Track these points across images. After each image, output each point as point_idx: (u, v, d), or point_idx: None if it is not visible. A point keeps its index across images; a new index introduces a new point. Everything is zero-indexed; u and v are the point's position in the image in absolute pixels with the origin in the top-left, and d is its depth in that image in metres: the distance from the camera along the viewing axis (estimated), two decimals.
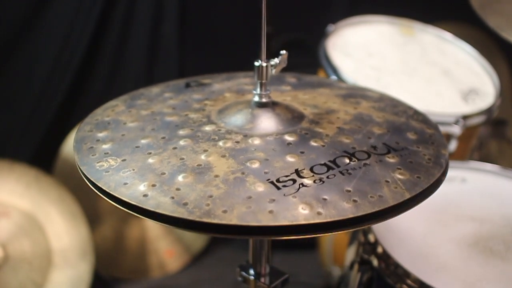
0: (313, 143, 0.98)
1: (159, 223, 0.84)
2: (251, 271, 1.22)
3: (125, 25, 2.50)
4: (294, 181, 0.88)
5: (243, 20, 2.23)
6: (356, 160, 0.94)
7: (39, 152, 2.47)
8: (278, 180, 0.88)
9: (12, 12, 2.35)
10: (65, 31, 2.40)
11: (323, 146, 0.98)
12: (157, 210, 0.83)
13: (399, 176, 0.92)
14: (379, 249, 1.29)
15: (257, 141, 0.98)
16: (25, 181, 2.11)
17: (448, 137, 1.75)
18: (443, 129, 1.71)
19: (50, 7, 2.35)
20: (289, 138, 1.00)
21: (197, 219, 0.81)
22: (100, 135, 1.05)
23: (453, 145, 1.77)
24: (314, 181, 0.88)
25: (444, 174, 0.97)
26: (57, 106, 2.45)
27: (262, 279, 1.22)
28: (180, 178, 0.89)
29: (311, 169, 0.91)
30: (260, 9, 1.01)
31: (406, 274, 1.22)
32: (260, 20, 1.02)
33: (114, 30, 2.49)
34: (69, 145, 2.35)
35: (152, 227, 2.42)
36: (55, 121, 2.47)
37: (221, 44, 2.73)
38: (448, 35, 2.18)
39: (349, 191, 0.87)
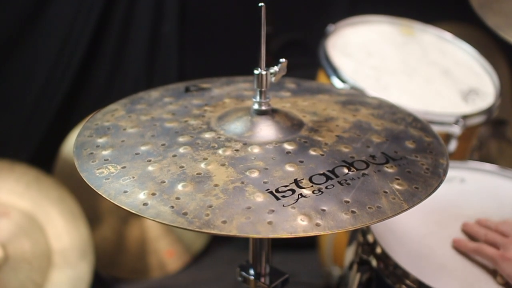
0: (312, 152, 0.99)
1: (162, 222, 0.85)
2: (251, 271, 1.23)
3: (125, 25, 2.50)
4: (293, 191, 0.88)
5: (243, 20, 2.23)
6: (355, 170, 0.94)
7: (39, 152, 2.47)
8: (277, 190, 0.88)
9: (12, 12, 2.34)
10: (65, 31, 2.40)
11: (322, 155, 0.98)
12: (157, 220, 0.83)
13: (397, 187, 0.92)
14: (378, 250, 1.29)
15: (256, 150, 0.99)
16: (25, 181, 2.11)
17: (448, 137, 1.75)
18: (443, 129, 1.71)
19: (50, 7, 2.35)
20: (288, 146, 1.00)
21: (197, 229, 0.81)
22: (100, 140, 1.05)
23: (453, 145, 1.77)
24: (313, 192, 0.88)
25: (442, 181, 0.97)
26: (57, 106, 2.45)
27: (262, 279, 1.22)
28: (180, 187, 0.89)
29: (310, 179, 0.91)
30: (260, 13, 1.01)
31: (405, 275, 1.22)
32: (260, 19, 1.02)
33: (114, 30, 2.49)
34: (69, 145, 2.34)
35: (152, 227, 2.42)
36: (55, 121, 2.47)
37: (221, 44, 2.73)
38: (448, 35, 2.17)
39: (348, 201, 0.87)
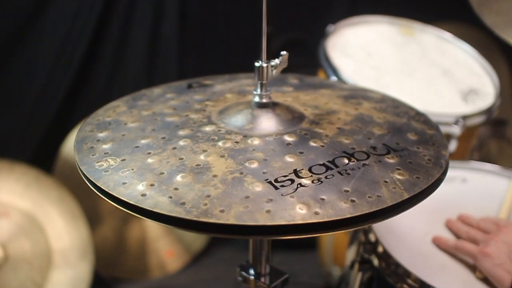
0: (312, 144, 0.98)
1: (158, 223, 0.85)
2: (251, 271, 1.22)
3: (125, 25, 2.50)
4: (292, 181, 0.88)
5: (243, 19, 2.23)
6: (355, 161, 0.94)
7: (39, 152, 2.48)
8: (276, 180, 0.88)
9: (12, 12, 2.35)
10: (65, 31, 2.41)
11: (323, 146, 0.98)
12: (155, 210, 0.83)
13: (398, 177, 0.91)
14: (380, 249, 1.29)
15: (256, 142, 0.98)
16: (25, 181, 2.11)
17: (448, 137, 1.75)
18: (443, 129, 1.69)
19: (50, 7, 2.35)
20: (288, 138, 1.00)
21: (194, 219, 0.81)
22: (101, 135, 1.05)
23: (453, 145, 1.77)
24: (313, 181, 0.88)
25: (444, 174, 0.97)
26: (57, 106, 2.46)
27: (262, 279, 1.22)
28: (178, 178, 0.89)
29: (310, 169, 0.91)
30: (260, 9, 1.01)
31: (407, 274, 1.22)
32: (260, 20, 1.02)
33: (114, 30, 2.50)
34: (69, 145, 2.35)
35: (152, 227, 2.42)
36: (55, 121, 2.47)
37: (221, 44, 2.73)
38: (448, 35, 2.18)
39: (347, 191, 0.86)
